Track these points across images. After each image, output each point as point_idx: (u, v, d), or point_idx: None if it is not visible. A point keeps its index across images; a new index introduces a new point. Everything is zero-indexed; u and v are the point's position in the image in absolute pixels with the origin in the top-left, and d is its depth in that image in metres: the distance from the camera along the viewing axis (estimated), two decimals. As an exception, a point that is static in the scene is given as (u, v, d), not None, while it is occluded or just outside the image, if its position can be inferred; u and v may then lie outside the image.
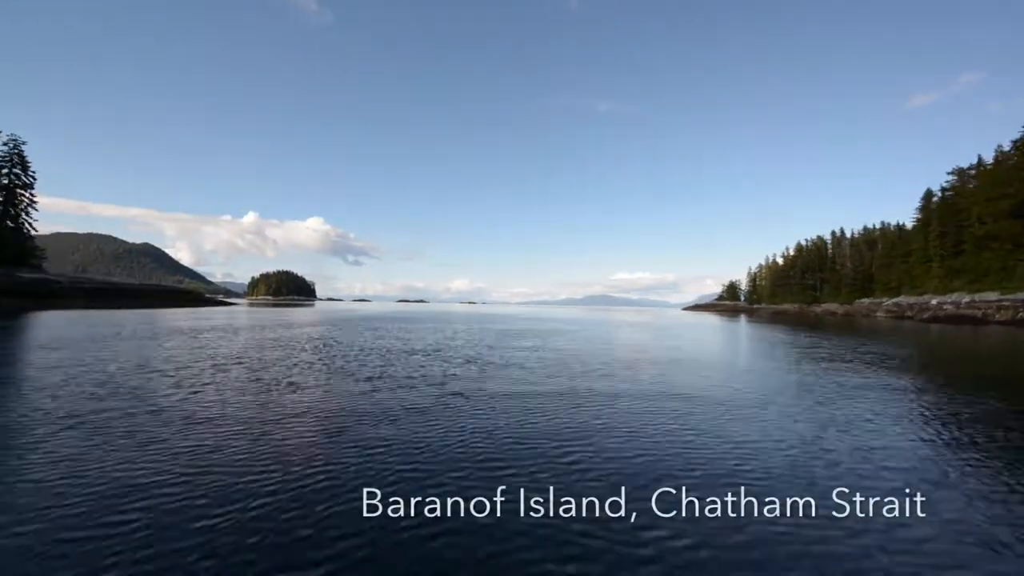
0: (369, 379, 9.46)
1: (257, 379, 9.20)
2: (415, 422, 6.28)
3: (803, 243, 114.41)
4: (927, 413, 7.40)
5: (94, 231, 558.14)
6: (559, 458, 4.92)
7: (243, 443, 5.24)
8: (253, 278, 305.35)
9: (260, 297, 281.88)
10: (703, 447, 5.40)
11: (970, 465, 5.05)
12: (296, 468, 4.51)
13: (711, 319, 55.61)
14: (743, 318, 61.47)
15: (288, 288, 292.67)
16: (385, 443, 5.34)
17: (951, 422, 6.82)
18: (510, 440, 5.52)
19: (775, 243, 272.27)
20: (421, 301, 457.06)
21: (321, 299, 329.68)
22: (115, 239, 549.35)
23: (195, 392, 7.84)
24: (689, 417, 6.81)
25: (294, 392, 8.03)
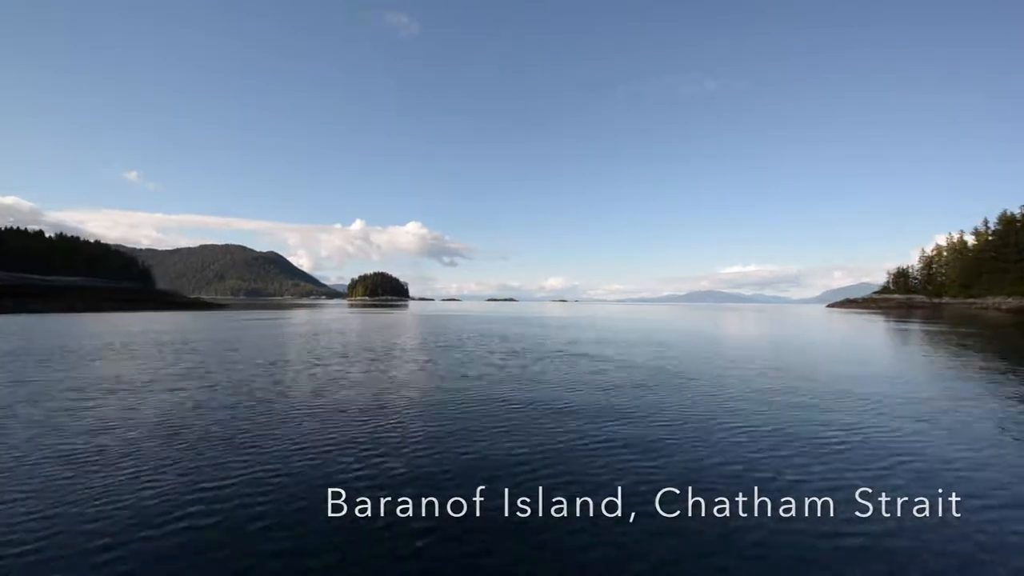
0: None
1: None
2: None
3: (1015, 214, 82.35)
4: None
5: (232, 242, 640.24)
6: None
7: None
8: (353, 280, 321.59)
9: (358, 298, 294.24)
10: None
11: None
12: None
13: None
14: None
15: (383, 289, 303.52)
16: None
17: None
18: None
19: (927, 228, 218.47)
20: (510, 300, 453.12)
21: (414, 299, 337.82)
22: (246, 248, 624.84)
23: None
24: None
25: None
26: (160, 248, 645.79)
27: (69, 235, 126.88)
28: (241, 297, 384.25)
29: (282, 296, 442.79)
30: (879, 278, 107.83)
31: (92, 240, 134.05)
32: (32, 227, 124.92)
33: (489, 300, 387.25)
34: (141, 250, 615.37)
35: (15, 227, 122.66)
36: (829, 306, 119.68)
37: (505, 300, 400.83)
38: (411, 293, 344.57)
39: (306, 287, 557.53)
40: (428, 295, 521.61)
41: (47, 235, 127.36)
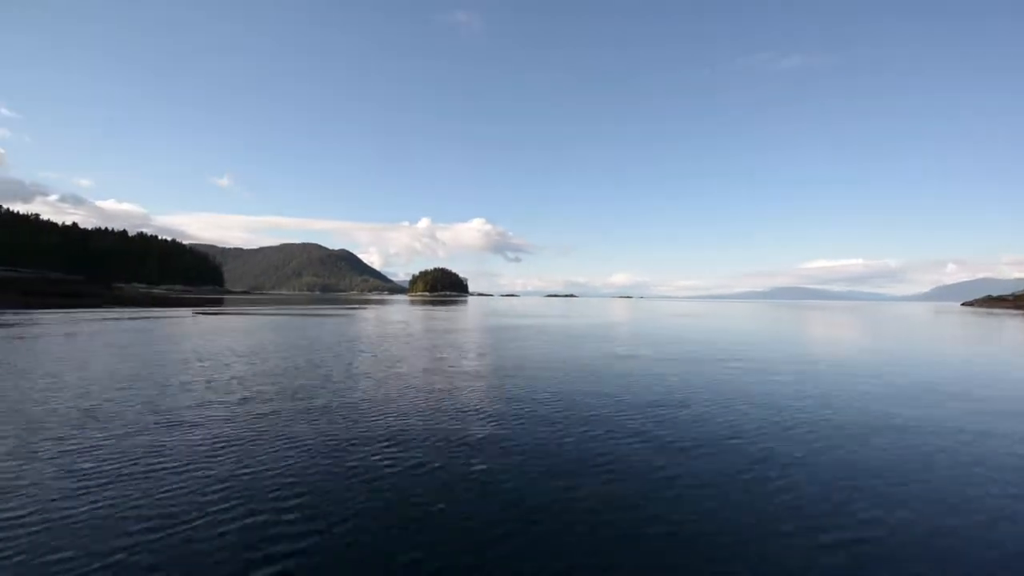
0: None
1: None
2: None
3: None
4: None
5: (309, 241, 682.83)
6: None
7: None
8: (413, 276, 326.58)
9: (418, 293, 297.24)
10: None
11: None
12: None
13: None
14: None
15: (443, 284, 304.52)
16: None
17: None
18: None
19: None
20: (570, 296, 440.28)
21: (473, 294, 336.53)
22: (320, 247, 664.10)
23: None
24: None
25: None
26: (246, 247, 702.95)
27: (148, 234, 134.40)
28: (316, 292, 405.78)
29: (351, 291, 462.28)
30: (1003, 273, 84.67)
31: (165, 238, 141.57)
32: (144, 229, 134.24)
33: (548, 296, 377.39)
34: (229, 249, 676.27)
35: (102, 228, 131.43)
36: (964, 304, 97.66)
37: (566, 296, 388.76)
38: (471, 288, 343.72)
39: (374, 283, 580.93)
40: (490, 291, 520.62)
41: (130, 235, 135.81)
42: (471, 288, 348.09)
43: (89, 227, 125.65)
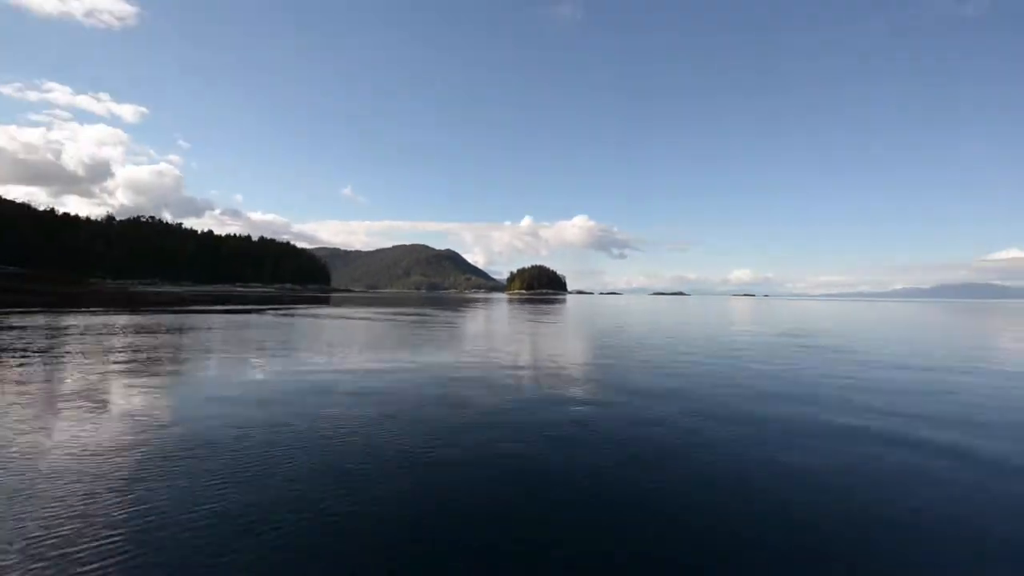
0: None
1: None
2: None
3: None
4: None
5: (419, 242, 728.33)
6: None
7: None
8: (511, 274, 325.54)
9: (516, 291, 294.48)
10: None
11: None
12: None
13: None
14: None
15: (540, 282, 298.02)
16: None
17: None
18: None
19: None
20: (679, 294, 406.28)
21: (571, 292, 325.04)
22: (427, 247, 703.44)
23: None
24: None
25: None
26: (364, 249, 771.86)
27: (268, 238, 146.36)
28: (423, 291, 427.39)
29: (452, 290, 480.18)
30: None
31: (281, 241, 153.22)
32: (285, 236, 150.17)
33: (655, 294, 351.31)
34: (351, 252, 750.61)
35: (232, 234, 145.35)
36: None
37: (674, 294, 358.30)
38: (570, 287, 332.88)
39: (476, 281, 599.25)
40: (592, 288, 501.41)
41: (253, 238, 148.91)
42: (570, 286, 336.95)
43: (227, 234, 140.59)
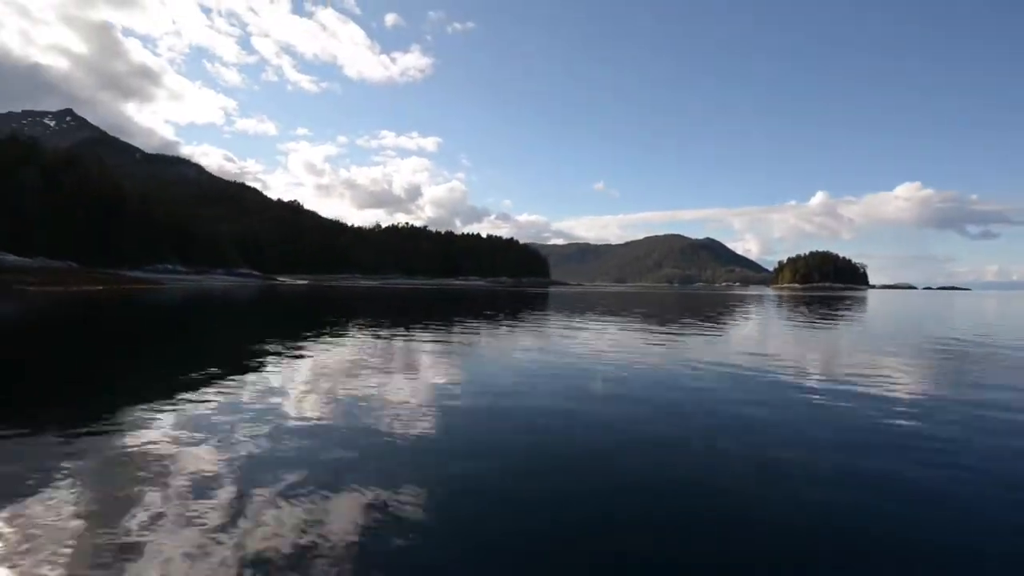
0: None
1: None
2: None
3: None
4: None
5: (674, 232, 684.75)
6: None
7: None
8: (779, 263, 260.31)
9: (785, 285, 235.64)
10: None
11: None
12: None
13: None
14: None
15: (820, 273, 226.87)
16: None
17: None
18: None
19: None
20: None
21: (875, 286, 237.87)
22: (682, 237, 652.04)
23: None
24: None
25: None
26: (616, 243, 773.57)
27: (484, 235, 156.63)
28: (675, 285, 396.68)
29: (701, 283, 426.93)
30: None
31: (505, 237, 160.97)
32: (545, 234, 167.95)
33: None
34: (600, 245, 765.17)
35: (471, 232, 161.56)
36: None
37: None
38: (879, 278, 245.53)
39: (742, 273, 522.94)
40: (925, 281, 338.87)
41: (518, 239, 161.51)
42: (880, 278, 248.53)
43: (504, 236, 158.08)
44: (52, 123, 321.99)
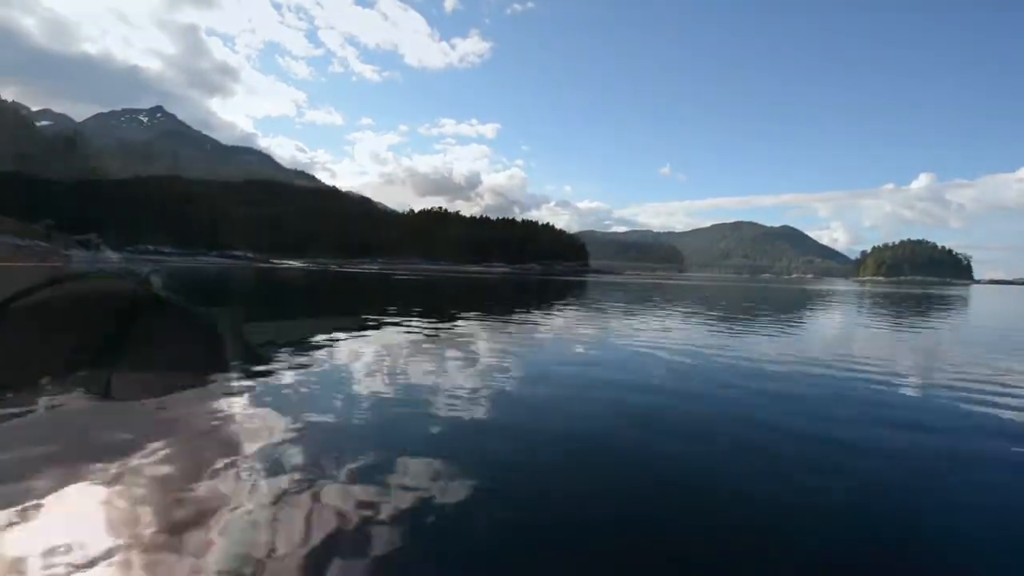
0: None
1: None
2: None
3: None
4: None
5: (742, 220, 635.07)
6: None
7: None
8: (863, 253, 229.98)
9: (867, 278, 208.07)
10: None
11: None
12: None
13: None
14: None
15: (912, 265, 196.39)
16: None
17: None
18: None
19: None
20: None
21: (981, 281, 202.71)
22: (756, 225, 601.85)
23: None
24: None
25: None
26: (682, 230, 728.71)
27: (522, 220, 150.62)
28: (744, 275, 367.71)
29: (768, 274, 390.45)
30: None
31: (551, 226, 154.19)
32: (607, 222, 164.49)
33: None
34: (663, 233, 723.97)
35: (534, 221, 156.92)
36: None
37: None
38: (989, 273, 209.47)
39: (824, 264, 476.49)
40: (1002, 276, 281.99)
41: (579, 227, 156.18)
42: (986, 273, 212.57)
43: (559, 224, 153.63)
44: (145, 119, 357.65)
